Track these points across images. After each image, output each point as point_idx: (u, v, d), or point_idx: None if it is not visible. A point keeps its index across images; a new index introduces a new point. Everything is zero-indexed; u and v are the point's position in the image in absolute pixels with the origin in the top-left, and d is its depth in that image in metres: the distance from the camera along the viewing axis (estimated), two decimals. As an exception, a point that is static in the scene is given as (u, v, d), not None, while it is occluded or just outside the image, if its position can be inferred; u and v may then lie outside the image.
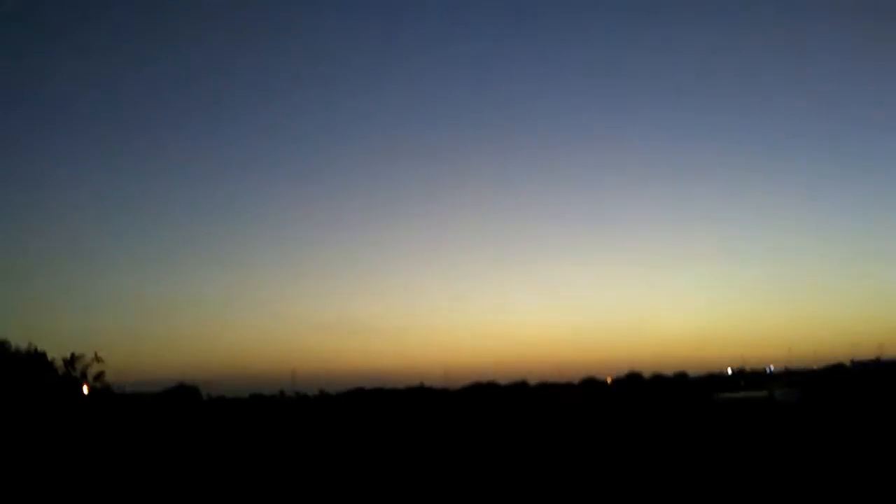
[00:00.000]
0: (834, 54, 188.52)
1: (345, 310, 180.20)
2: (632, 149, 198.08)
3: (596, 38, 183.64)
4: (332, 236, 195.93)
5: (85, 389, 69.59)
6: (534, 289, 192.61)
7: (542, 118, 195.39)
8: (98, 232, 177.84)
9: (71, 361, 68.33)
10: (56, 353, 70.20)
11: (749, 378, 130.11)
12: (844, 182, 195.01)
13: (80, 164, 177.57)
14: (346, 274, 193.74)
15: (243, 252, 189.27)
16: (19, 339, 67.42)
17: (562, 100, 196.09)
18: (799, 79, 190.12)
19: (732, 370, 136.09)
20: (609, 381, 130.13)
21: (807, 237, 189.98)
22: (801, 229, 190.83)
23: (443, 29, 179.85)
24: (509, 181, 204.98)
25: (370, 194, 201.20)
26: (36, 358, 67.51)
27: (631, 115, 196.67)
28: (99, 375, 69.53)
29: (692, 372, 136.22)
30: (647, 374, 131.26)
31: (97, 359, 68.61)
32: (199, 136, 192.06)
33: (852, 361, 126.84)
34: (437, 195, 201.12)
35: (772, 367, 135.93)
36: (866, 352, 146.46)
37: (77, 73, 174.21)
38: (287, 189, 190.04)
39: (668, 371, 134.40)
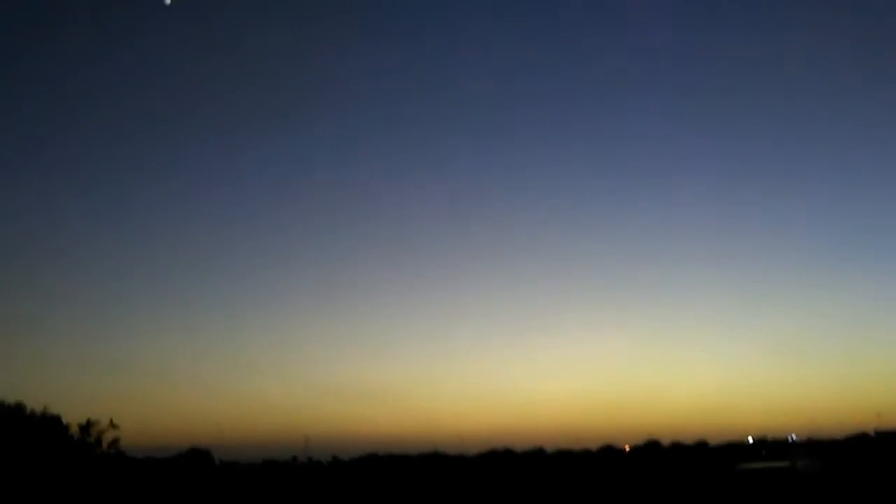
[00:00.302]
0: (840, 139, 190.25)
1: (358, 375, 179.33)
2: (650, 217, 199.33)
3: (606, 105, 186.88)
4: (346, 301, 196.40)
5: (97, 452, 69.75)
6: (551, 355, 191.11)
7: (558, 186, 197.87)
8: (113, 296, 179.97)
9: (86, 427, 68.61)
10: (70, 415, 70.36)
11: (771, 447, 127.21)
12: (870, 247, 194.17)
13: (96, 227, 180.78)
14: (361, 338, 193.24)
15: (257, 318, 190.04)
16: (34, 402, 67.59)
17: (576, 168, 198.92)
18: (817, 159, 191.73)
19: (754, 439, 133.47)
20: (627, 449, 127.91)
21: (830, 303, 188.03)
22: (824, 296, 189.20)
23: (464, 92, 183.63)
24: (526, 246, 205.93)
25: (385, 258, 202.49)
26: (51, 422, 67.55)
27: (649, 184, 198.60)
28: (114, 441, 70.00)
29: (712, 440, 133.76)
30: (666, 442, 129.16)
31: (112, 425, 69.32)
32: (211, 201, 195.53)
33: (876, 431, 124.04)
34: (454, 260, 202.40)
35: (794, 437, 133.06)
36: (890, 421, 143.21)
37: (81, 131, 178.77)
38: (300, 254, 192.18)
39: (688, 439, 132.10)
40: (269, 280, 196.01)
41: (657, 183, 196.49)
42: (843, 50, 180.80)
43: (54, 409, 68.21)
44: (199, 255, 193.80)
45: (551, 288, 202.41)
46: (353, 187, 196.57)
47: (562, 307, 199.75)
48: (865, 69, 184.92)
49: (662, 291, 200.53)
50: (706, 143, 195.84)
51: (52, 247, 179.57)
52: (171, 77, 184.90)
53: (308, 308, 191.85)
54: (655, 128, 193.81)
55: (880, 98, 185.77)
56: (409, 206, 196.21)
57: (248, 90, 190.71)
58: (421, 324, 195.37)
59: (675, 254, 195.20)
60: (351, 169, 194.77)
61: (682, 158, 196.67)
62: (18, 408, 65.65)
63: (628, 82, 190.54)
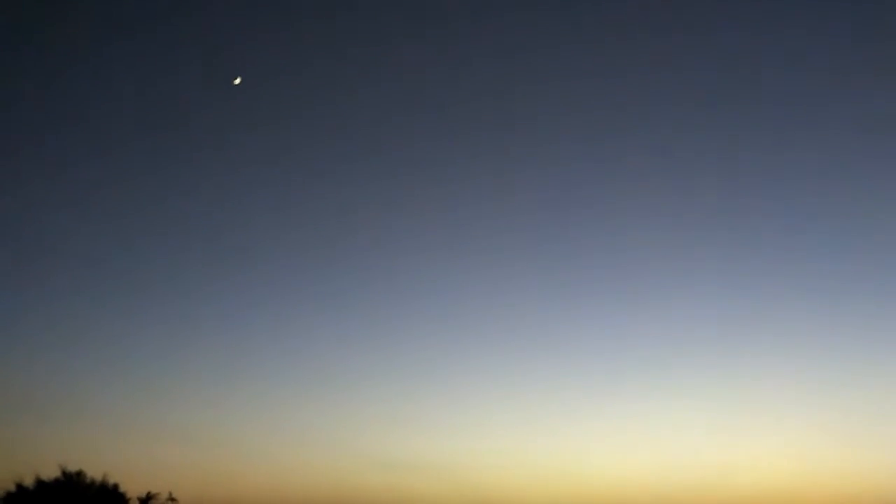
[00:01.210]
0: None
1: (409, 447, 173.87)
2: (727, 285, 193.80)
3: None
4: (399, 370, 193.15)
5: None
6: (609, 434, 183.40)
7: (616, 255, 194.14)
8: (174, 365, 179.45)
9: (146, 500, 67.49)
10: (129, 486, 68.92)
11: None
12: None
13: (154, 294, 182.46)
14: (413, 411, 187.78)
15: (312, 389, 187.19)
16: (93, 471, 66.45)
17: (638, 232, 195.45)
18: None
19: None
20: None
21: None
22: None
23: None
24: (587, 320, 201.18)
25: (440, 330, 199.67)
26: (110, 492, 66.25)
27: (727, 248, 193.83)
28: (172, 514, 68.58)
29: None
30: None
31: (171, 498, 68.64)
32: (263, 280, 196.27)
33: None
34: (509, 327, 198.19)
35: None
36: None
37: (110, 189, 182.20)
38: (353, 323, 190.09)
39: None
40: (322, 351, 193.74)
41: (730, 254, 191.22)
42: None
43: (113, 479, 67.42)
44: (255, 328, 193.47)
45: (613, 360, 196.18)
46: (401, 261, 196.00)
47: (626, 380, 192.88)
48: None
49: (730, 369, 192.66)
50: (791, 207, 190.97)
51: (105, 317, 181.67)
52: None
53: (362, 380, 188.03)
54: (735, 193, 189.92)
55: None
56: (464, 276, 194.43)
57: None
58: (474, 397, 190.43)
59: (744, 327, 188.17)
60: (401, 244, 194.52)
61: (765, 223, 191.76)
62: (79, 476, 64.70)
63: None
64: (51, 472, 63.28)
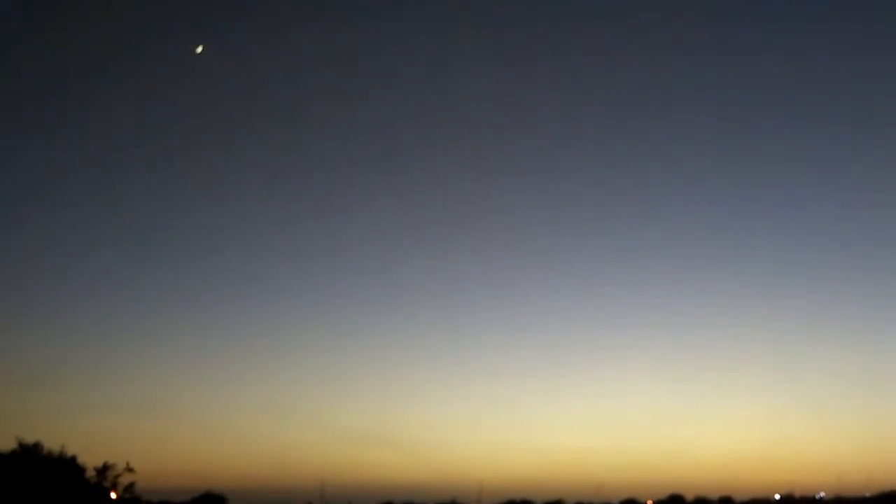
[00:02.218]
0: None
1: (378, 421, 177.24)
2: (680, 268, 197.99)
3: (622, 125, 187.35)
4: (366, 346, 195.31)
5: (113, 496, 69.26)
6: (573, 405, 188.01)
7: (583, 229, 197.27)
8: (134, 339, 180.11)
9: (103, 471, 68.50)
10: (87, 457, 70.06)
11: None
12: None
13: (117, 268, 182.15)
14: (380, 385, 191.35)
15: (274, 362, 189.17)
16: (51, 443, 67.44)
17: (603, 209, 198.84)
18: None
19: (780, 496, 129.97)
20: (650, 503, 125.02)
21: (861, 358, 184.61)
22: (855, 350, 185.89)
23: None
24: (552, 293, 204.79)
25: (408, 305, 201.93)
26: (67, 463, 67.34)
27: (680, 233, 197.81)
28: (129, 486, 69.64)
29: (738, 496, 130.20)
30: (689, 497, 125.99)
31: (129, 469, 69.18)
32: (230, 248, 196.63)
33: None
34: (474, 306, 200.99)
35: (822, 495, 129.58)
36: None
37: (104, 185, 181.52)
38: (319, 300, 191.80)
39: (713, 494, 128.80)
40: (288, 325, 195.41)
41: (687, 232, 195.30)
42: None
43: (71, 451, 68.17)
44: (219, 300, 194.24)
45: (575, 337, 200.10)
46: (376, 231, 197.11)
47: (586, 357, 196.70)
48: None
49: (691, 344, 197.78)
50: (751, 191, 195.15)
51: (73, 290, 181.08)
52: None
53: (328, 353, 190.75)
54: (709, 177, 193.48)
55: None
56: (434, 253, 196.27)
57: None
58: (442, 371, 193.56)
59: (702, 307, 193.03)
60: (379, 212, 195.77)
61: (723, 208, 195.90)
62: (36, 448, 65.63)
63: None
64: (7, 445, 64.51)
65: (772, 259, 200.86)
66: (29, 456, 64.06)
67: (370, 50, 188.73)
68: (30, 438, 65.64)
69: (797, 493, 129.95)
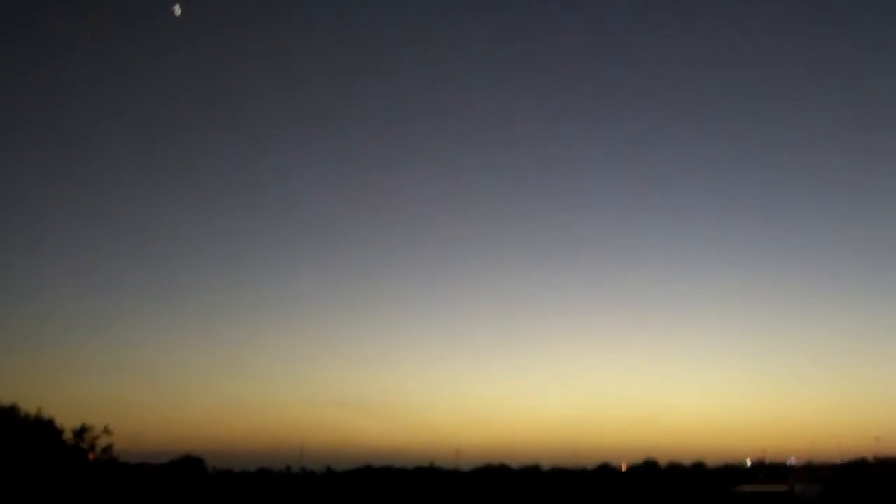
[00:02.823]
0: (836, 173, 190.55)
1: (356, 386, 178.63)
2: (650, 234, 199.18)
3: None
4: (344, 313, 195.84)
5: (90, 458, 69.56)
6: (550, 372, 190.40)
7: (554, 202, 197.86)
8: (111, 301, 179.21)
9: (80, 433, 68.58)
10: (64, 420, 70.18)
11: (769, 471, 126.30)
12: (870, 269, 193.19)
13: (93, 230, 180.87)
14: (358, 350, 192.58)
15: (253, 326, 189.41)
16: (28, 405, 67.44)
17: (573, 180, 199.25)
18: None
19: (752, 462, 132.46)
20: (624, 468, 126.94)
21: (831, 326, 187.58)
22: (825, 317, 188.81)
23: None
24: (526, 262, 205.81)
25: (383, 272, 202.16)
26: (44, 426, 67.41)
27: (652, 199, 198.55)
28: (107, 448, 69.82)
29: (710, 462, 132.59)
30: (663, 462, 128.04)
31: (106, 431, 69.27)
32: (212, 216, 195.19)
33: (875, 456, 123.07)
34: (452, 273, 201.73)
35: (793, 460, 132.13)
36: (889, 446, 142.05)
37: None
38: (298, 264, 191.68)
39: (686, 460, 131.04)
40: (267, 289, 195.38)
41: (660, 198, 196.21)
42: None
43: (48, 413, 68.25)
44: (197, 262, 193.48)
45: (551, 304, 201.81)
46: (355, 198, 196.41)
47: (562, 324, 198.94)
48: None
49: (663, 311, 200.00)
50: (716, 158, 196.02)
51: (48, 250, 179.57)
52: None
53: (306, 318, 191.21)
54: (664, 142, 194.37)
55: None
56: (410, 223, 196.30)
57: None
58: (419, 337, 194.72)
59: (675, 275, 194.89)
60: (358, 177, 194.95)
61: (688, 176, 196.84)
62: (12, 410, 65.64)
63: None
64: (-17, 407, 64.18)
65: (748, 230, 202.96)
66: (4, 418, 64.02)
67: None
68: (6, 401, 65.75)
69: (768, 460, 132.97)
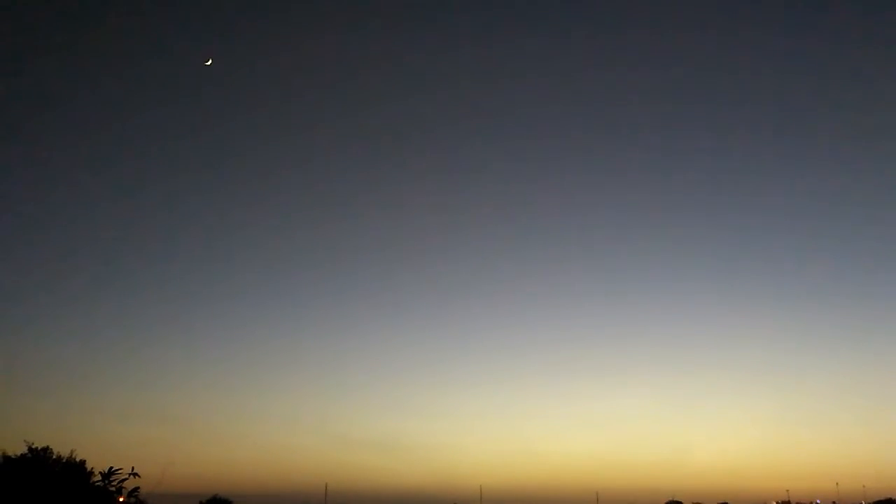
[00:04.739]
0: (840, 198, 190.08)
1: (381, 427, 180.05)
2: (674, 276, 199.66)
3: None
4: (371, 354, 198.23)
5: (120, 500, 71.15)
6: (574, 413, 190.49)
7: (577, 243, 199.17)
8: (140, 347, 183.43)
9: (108, 475, 70.24)
10: (94, 461, 72.03)
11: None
12: (893, 308, 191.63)
13: (124, 274, 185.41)
14: (382, 393, 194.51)
15: (280, 368, 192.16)
16: (60, 447, 69.61)
17: (597, 222, 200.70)
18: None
19: (777, 503, 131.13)
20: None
21: (858, 366, 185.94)
22: (852, 358, 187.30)
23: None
24: (552, 305, 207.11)
25: (409, 315, 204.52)
26: (75, 468, 69.43)
27: (673, 241, 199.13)
28: (134, 490, 71.51)
29: (735, 502, 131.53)
30: (687, 503, 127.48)
31: (133, 473, 70.98)
32: (232, 256, 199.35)
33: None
34: (477, 315, 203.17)
35: (818, 502, 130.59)
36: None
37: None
38: (323, 307, 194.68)
39: (710, 501, 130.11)
40: (294, 333, 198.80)
41: (686, 243, 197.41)
42: None
43: (80, 456, 70.26)
44: (227, 310, 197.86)
45: (576, 347, 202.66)
46: (382, 245, 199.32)
47: (587, 366, 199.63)
48: None
49: (686, 351, 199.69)
50: (733, 198, 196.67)
51: (85, 298, 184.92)
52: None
53: (332, 362, 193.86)
54: (685, 183, 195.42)
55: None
56: (436, 264, 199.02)
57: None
58: (442, 380, 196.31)
59: (699, 314, 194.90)
60: (380, 228, 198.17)
61: (708, 216, 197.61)
62: (45, 452, 67.78)
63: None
64: (17, 449, 66.35)
65: (770, 268, 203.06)
66: (38, 460, 66.04)
67: (379, 59, 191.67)
68: (40, 443, 67.81)
69: (794, 500, 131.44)
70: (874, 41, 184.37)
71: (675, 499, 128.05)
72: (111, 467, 70.81)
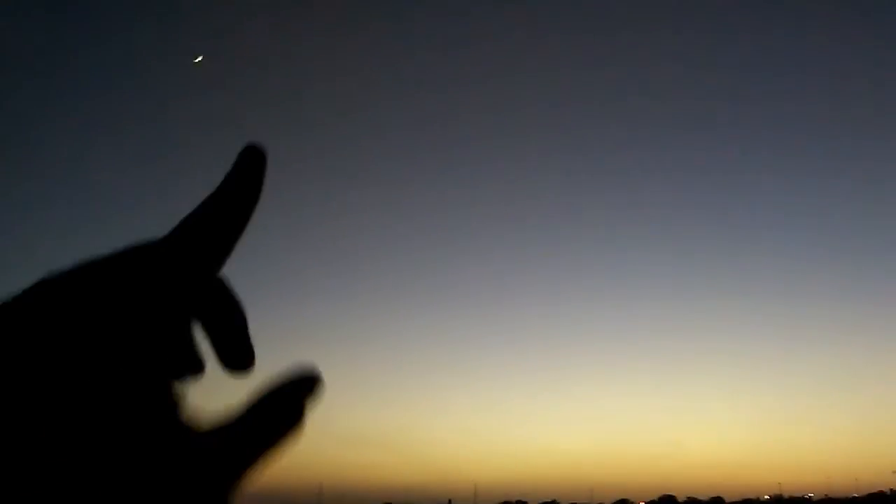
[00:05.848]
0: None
1: (374, 424, 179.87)
2: (666, 271, 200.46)
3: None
4: (363, 349, 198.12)
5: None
6: (567, 408, 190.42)
7: (570, 241, 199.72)
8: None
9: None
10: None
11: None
12: (886, 303, 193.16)
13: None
14: (377, 387, 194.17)
15: (272, 364, 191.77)
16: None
17: (587, 219, 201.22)
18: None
19: (770, 497, 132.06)
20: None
21: (848, 359, 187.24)
22: (842, 351, 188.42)
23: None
24: (542, 298, 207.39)
25: (402, 309, 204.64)
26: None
27: (665, 238, 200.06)
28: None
29: (728, 497, 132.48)
30: (681, 497, 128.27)
31: None
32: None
33: (893, 490, 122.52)
34: (468, 309, 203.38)
35: (811, 495, 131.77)
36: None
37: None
38: (315, 301, 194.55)
39: (703, 495, 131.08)
40: (284, 326, 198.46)
41: (676, 235, 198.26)
42: None
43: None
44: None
45: (568, 341, 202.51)
46: (375, 236, 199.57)
47: (579, 360, 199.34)
48: None
49: (678, 345, 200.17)
50: (725, 197, 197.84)
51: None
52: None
53: (324, 356, 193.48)
54: (681, 182, 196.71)
55: None
56: (428, 254, 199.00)
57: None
58: (438, 374, 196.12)
59: (691, 308, 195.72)
60: (373, 221, 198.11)
61: (699, 209, 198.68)
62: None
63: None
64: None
65: (759, 261, 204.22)
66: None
67: (380, 58, 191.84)
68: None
69: (786, 494, 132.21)
70: (875, 41, 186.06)
71: (669, 493, 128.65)
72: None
